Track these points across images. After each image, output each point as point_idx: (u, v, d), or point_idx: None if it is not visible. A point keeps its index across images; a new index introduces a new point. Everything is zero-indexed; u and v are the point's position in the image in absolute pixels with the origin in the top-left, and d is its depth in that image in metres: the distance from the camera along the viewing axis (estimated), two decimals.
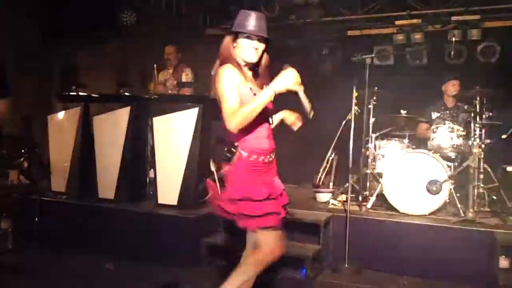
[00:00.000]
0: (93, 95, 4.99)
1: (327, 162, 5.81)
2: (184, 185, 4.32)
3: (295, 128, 2.75)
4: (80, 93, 5.01)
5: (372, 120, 5.07)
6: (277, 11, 6.81)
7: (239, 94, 2.34)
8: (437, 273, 3.84)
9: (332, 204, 4.87)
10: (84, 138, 4.81)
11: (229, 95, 2.32)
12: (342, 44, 7.39)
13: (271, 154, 2.51)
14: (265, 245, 2.47)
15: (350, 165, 4.44)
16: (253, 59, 2.43)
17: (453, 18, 6.49)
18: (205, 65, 5.34)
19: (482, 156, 4.56)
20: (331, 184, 5.54)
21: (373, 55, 6.51)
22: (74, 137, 4.83)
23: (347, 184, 4.59)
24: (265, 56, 2.51)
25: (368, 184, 4.98)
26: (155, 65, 5.24)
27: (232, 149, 2.44)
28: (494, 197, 4.65)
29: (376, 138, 5.06)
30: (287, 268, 3.86)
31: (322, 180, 5.70)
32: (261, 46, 2.44)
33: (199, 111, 4.29)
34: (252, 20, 2.41)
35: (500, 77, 5.85)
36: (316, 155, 5.91)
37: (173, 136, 4.36)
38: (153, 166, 4.50)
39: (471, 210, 4.17)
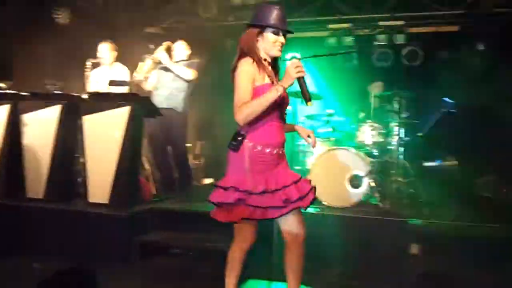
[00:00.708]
0: (22, 93, 4.88)
1: None
2: (115, 184, 4.32)
3: (310, 145, 2.72)
4: (8, 91, 4.89)
5: (301, 118, 5.32)
6: (214, 12, 6.92)
7: (251, 88, 2.38)
8: (356, 260, 4.07)
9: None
10: (12, 137, 4.70)
11: (242, 87, 2.37)
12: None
13: (280, 148, 2.53)
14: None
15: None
16: (279, 53, 2.49)
17: (380, 23, 6.90)
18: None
19: (401, 152, 4.93)
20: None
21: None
22: (3, 136, 4.71)
23: None
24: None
25: None
26: (89, 63, 5.18)
27: (239, 137, 2.47)
28: (411, 190, 5.01)
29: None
30: (207, 261, 3.95)
31: None
32: (284, 40, 2.50)
33: (130, 110, 4.31)
34: (278, 15, 2.45)
35: (422, 80, 6.30)
36: None
37: (104, 135, 4.36)
38: (84, 165, 4.48)
39: (388, 202, 4.50)
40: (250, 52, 2.45)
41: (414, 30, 7.04)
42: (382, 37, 6.90)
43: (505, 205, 4.90)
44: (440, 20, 6.69)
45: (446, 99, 5.31)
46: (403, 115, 5.03)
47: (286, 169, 2.58)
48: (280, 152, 2.54)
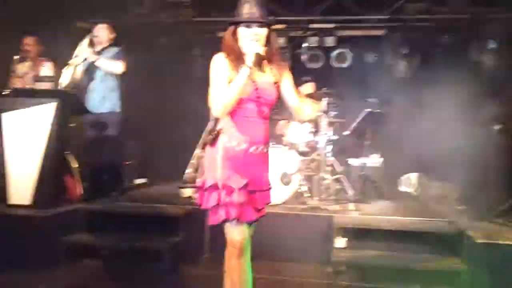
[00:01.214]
0: None
1: (193, 159, 5.98)
2: (39, 183, 4.15)
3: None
4: None
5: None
6: (147, 8, 6.80)
7: (224, 81, 2.34)
8: (286, 255, 4.20)
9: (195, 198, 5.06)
10: None
11: (213, 82, 2.37)
12: (215, 45, 7.61)
13: (258, 146, 2.45)
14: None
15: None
16: (256, 46, 2.35)
17: (311, 25, 7.12)
18: (70, 58, 5.23)
19: (329, 150, 5.12)
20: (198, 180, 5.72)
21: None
22: None
23: None
24: (273, 40, 2.47)
25: None
26: (14, 58, 4.93)
27: (215, 132, 2.43)
28: (338, 187, 5.22)
29: None
30: (146, 261, 3.93)
31: (190, 175, 5.86)
32: (262, 31, 2.39)
33: (56, 106, 4.16)
34: (248, 8, 2.38)
35: (350, 81, 6.58)
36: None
37: (27, 133, 4.17)
38: (2, 165, 4.24)
39: (316, 198, 4.67)
40: (226, 49, 2.44)
41: (343, 33, 7.33)
42: (313, 39, 7.11)
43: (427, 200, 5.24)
44: (367, 24, 7.01)
45: (371, 99, 5.57)
46: (331, 114, 5.22)
47: (266, 172, 2.56)
48: (259, 152, 2.47)
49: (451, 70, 5.83)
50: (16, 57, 4.85)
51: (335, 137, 5.20)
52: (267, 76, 2.48)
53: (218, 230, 4.13)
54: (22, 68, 5.19)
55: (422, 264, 3.67)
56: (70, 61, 4.69)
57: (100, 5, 6.92)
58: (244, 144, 2.43)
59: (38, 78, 4.87)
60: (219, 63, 2.41)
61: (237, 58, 2.41)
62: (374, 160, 5.49)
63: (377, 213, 4.51)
